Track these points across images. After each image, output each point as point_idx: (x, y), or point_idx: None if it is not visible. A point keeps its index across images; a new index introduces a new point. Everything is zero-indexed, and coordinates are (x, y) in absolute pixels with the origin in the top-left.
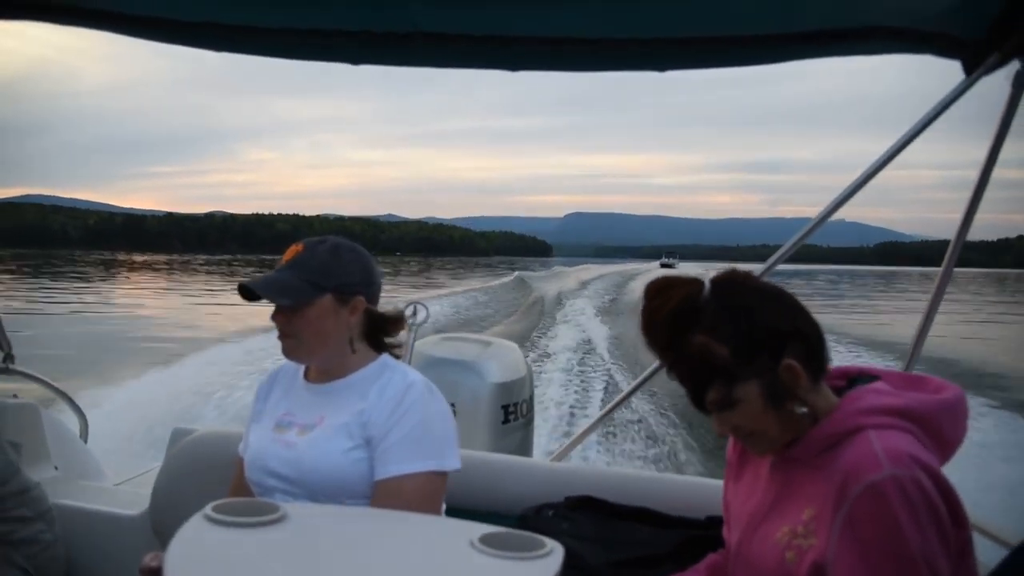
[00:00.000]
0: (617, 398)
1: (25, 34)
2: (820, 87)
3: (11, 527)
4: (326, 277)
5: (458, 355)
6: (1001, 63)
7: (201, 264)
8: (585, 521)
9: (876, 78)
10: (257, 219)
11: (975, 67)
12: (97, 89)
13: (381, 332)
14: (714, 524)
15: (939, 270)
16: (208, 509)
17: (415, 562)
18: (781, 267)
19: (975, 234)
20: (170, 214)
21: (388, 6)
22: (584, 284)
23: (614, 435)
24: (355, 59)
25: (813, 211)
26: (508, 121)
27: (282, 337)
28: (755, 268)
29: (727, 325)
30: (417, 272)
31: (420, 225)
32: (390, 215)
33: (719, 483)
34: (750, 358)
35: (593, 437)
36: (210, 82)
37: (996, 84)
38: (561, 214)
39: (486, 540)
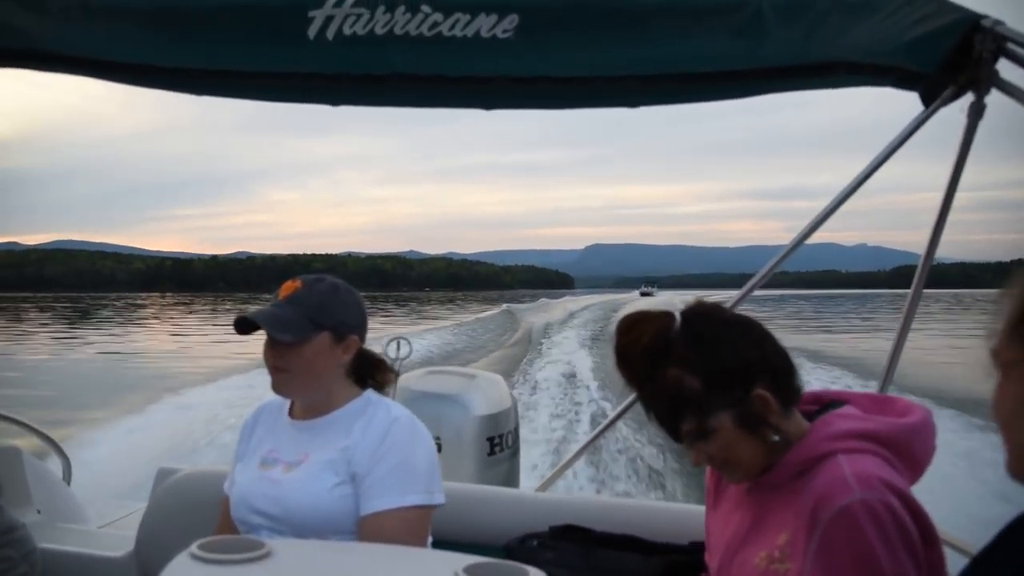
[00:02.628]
0: (600, 427)
1: (52, 84)
2: (839, 113)
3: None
4: (325, 315)
5: (442, 389)
6: (956, 96)
7: (242, 303)
8: (569, 550)
9: (897, 103)
10: (294, 259)
11: (932, 99)
12: (121, 136)
13: (368, 372)
14: (697, 549)
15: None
16: (194, 547)
17: None
18: (760, 293)
19: (986, 254)
20: (214, 257)
21: (364, 48)
22: (571, 315)
23: (601, 464)
24: (334, 100)
25: (835, 236)
26: (526, 155)
27: (274, 371)
28: (730, 296)
29: (698, 357)
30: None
31: (447, 262)
32: (412, 251)
33: (703, 509)
34: (722, 389)
35: (581, 467)
36: (229, 125)
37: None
38: (582, 246)
39: (471, 571)
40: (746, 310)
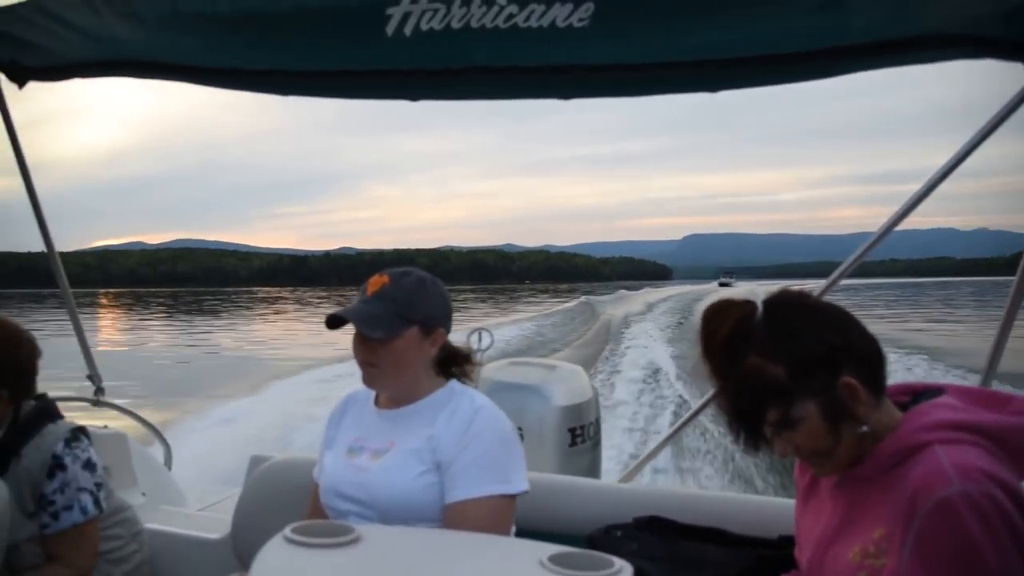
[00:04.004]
0: (683, 418)
1: (167, 93)
2: (954, 90)
3: (111, 544)
4: (413, 309)
5: (524, 379)
6: None
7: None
8: (653, 541)
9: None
10: (400, 254)
11: None
12: (233, 139)
13: (452, 363)
14: (787, 544)
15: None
16: (287, 531)
17: None
18: (859, 282)
19: None
20: (327, 254)
21: (441, 43)
22: (650, 307)
23: (684, 455)
24: (414, 96)
25: (949, 220)
26: (621, 146)
27: (364, 366)
28: (817, 285)
29: (781, 345)
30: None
31: (545, 254)
32: (509, 244)
33: (792, 502)
34: (806, 377)
35: (663, 458)
36: (335, 126)
37: None
38: (679, 236)
39: (556, 560)
40: (841, 301)
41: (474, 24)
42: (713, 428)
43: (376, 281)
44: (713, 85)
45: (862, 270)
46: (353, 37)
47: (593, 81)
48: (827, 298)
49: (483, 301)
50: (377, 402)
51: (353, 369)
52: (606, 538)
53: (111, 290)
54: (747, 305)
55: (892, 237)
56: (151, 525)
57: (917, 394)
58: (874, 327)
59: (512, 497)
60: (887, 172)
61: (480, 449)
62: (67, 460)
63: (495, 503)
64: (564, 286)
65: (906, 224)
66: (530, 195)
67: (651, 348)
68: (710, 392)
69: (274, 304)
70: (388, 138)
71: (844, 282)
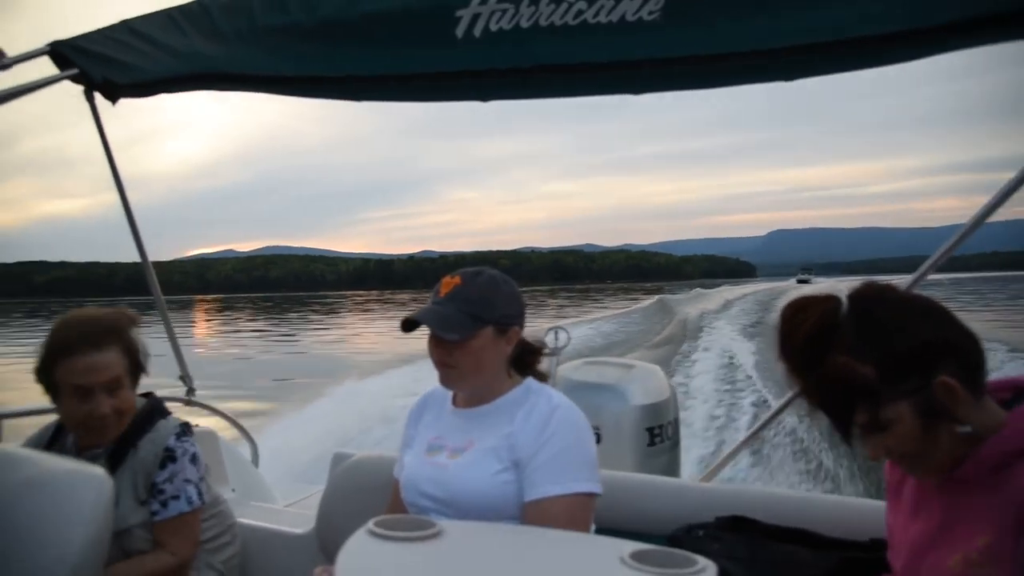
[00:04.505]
0: (766, 416)
1: (251, 106)
2: None
3: (209, 535)
4: (487, 310)
5: (600, 379)
6: None
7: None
8: (737, 542)
9: None
10: (482, 256)
11: None
12: (316, 147)
13: (527, 359)
14: (879, 547)
15: None
16: (370, 524)
17: None
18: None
19: None
20: (411, 257)
21: (510, 42)
22: (727, 304)
23: (765, 455)
24: (484, 96)
25: None
26: (700, 141)
27: (440, 366)
28: (903, 280)
29: (869, 343)
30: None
31: (625, 254)
32: (588, 244)
33: (882, 504)
34: (898, 376)
35: (743, 458)
36: (411, 131)
37: None
38: (763, 232)
39: (637, 557)
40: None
41: (543, 22)
42: (796, 427)
43: (448, 282)
44: (788, 73)
45: (956, 264)
46: (424, 41)
47: (666, 74)
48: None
49: (563, 300)
50: (454, 401)
51: (430, 369)
52: (688, 537)
53: (206, 296)
54: (830, 301)
55: (997, 229)
56: (241, 519)
57: (1020, 390)
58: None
59: (591, 496)
60: (989, 159)
61: (558, 447)
62: (178, 452)
63: (574, 501)
64: (649, 284)
65: (1012, 214)
66: (609, 194)
67: (729, 347)
68: (792, 391)
69: (360, 306)
70: (465, 141)
71: (933, 276)
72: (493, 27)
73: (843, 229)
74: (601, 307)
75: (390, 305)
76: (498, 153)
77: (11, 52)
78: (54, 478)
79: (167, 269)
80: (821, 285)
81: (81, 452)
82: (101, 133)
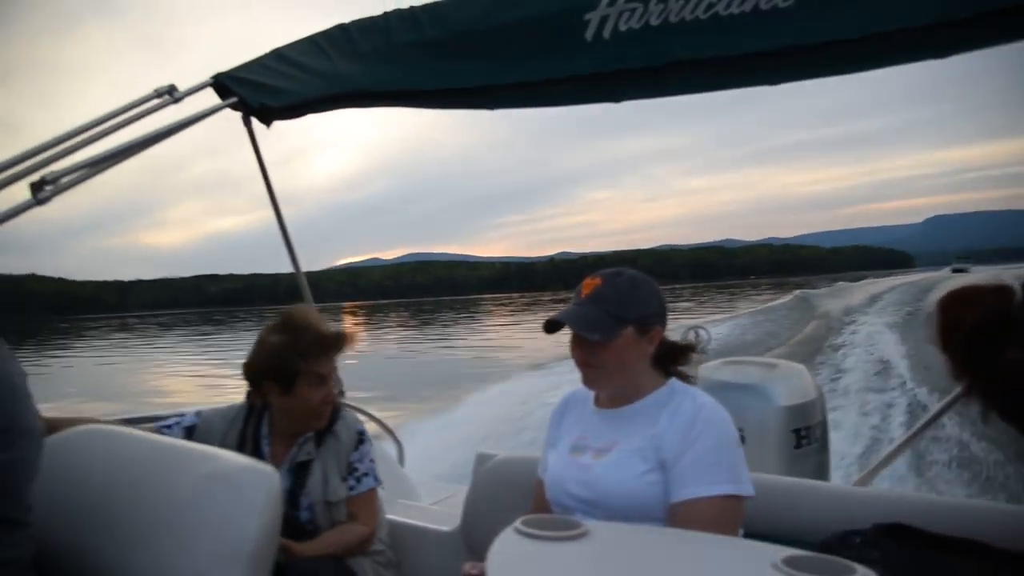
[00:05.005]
0: (926, 417)
1: (391, 121)
2: None
3: None
4: (628, 310)
5: (742, 378)
6: None
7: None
8: (898, 551)
9: None
10: (620, 256)
11: None
12: (452, 157)
13: (672, 359)
14: None
15: None
16: (518, 523)
17: None
18: None
19: None
20: (551, 259)
21: (641, 41)
22: (873, 298)
23: (925, 461)
24: (617, 97)
25: None
26: (845, 127)
27: (583, 367)
28: None
29: None
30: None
31: (769, 248)
32: (729, 239)
33: None
34: None
35: (899, 464)
36: (545, 135)
37: None
38: (920, 219)
39: (790, 563)
40: None
41: (673, 19)
42: (954, 427)
43: (589, 283)
44: (940, 50)
45: None
46: (554, 46)
47: (803, 62)
48: None
49: (703, 298)
50: (597, 401)
51: (572, 369)
52: (843, 544)
53: (357, 303)
54: (1000, 291)
55: None
56: (389, 516)
57: None
58: None
59: (740, 499)
60: None
61: (706, 447)
62: (366, 436)
63: (723, 503)
64: (798, 278)
65: None
66: (748, 187)
67: (878, 344)
68: (955, 391)
69: (503, 309)
70: (597, 142)
71: None
72: (622, 27)
73: (1013, 211)
74: (750, 304)
75: (534, 307)
76: (632, 151)
77: (182, 87)
78: (233, 473)
79: (320, 278)
80: (982, 275)
81: (285, 438)
82: (258, 154)
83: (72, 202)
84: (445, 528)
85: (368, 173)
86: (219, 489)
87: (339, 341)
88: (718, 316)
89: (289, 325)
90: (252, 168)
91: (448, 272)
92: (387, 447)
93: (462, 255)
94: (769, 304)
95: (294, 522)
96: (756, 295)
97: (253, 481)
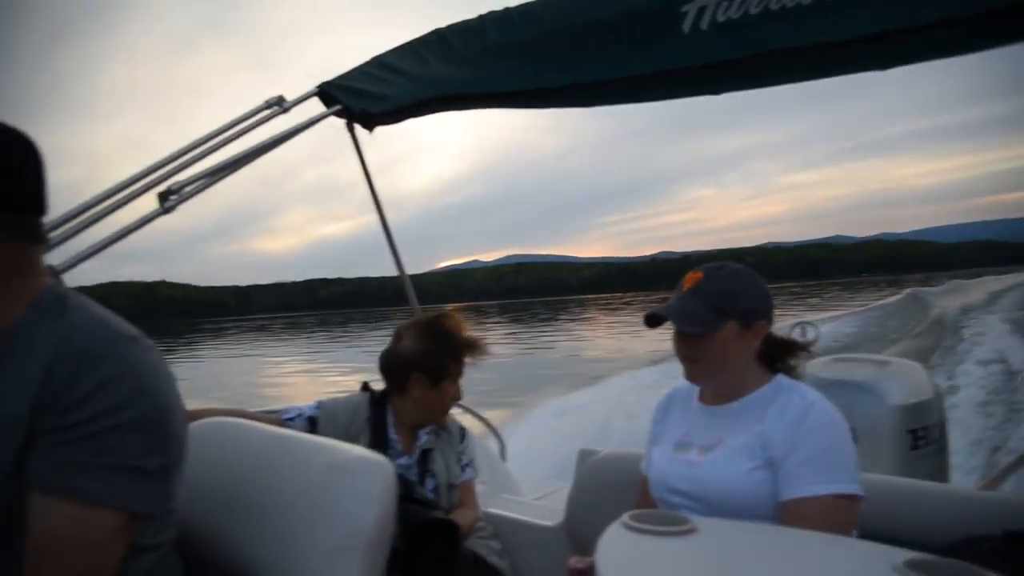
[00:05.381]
0: None
1: (489, 122)
2: None
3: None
4: (730, 304)
5: (853, 376)
6: None
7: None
8: None
9: None
10: (723, 254)
11: None
12: (550, 157)
13: (778, 356)
14: None
15: None
16: (626, 518)
17: None
18: None
19: None
20: (653, 259)
21: (740, 31)
22: (993, 296)
23: None
24: (717, 89)
25: None
26: (962, 113)
27: (686, 361)
28: None
29: None
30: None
31: (881, 244)
32: (838, 236)
33: None
34: None
35: None
36: (643, 132)
37: None
38: None
39: (913, 566)
40: None
41: (773, 6)
42: None
43: (691, 277)
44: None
45: None
46: (650, 40)
47: (916, 44)
48: None
49: (827, 294)
50: (701, 397)
51: (675, 365)
52: (970, 550)
53: (461, 304)
54: None
55: None
56: (493, 510)
57: None
58: None
59: (854, 499)
60: None
61: (817, 445)
62: (467, 430)
63: (834, 502)
64: (918, 276)
65: None
66: (858, 180)
67: (1000, 344)
68: None
69: (604, 308)
70: (697, 138)
71: None
72: (720, 18)
73: None
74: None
75: (637, 306)
76: (733, 147)
77: (289, 97)
78: (351, 464)
79: (424, 281)
80: None
81: (407, 428)
82: (361, 160)
83: (193, 211)
84: (548, 523)
85: (468, 176)
86: (338, 479)
87: (482, 346)
88: (825, 314)
89: (444, 327)
90: (356, 175)
91: (550, 273)
92: (490, 444)
93: (561, 256)
94: (879, 303)
95: (427, 503)
96: (873, 291)
97: (369, 471)
